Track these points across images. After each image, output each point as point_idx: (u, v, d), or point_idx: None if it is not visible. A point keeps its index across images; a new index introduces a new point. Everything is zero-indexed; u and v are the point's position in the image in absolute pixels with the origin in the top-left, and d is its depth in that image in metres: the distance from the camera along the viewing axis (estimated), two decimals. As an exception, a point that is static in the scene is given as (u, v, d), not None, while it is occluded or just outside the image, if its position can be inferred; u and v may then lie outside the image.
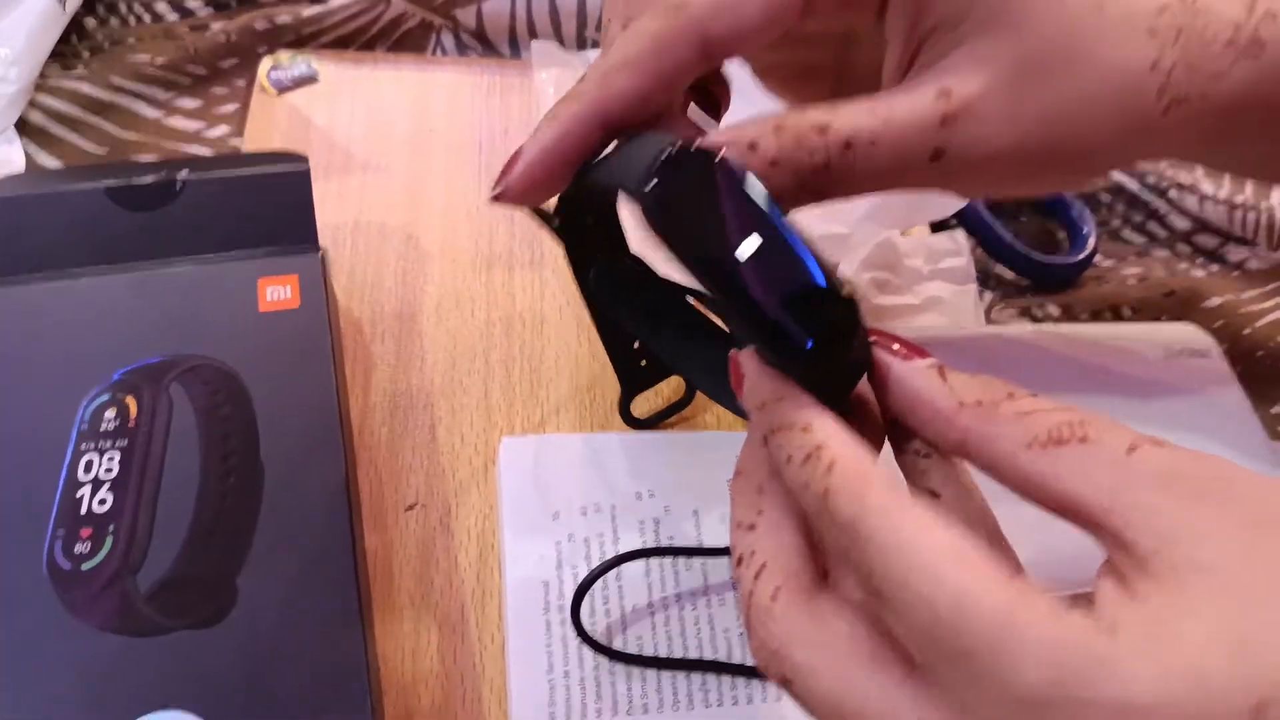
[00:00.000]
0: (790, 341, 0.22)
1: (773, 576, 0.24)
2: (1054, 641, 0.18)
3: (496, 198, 0.27)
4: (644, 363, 0.38)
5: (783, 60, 0.33)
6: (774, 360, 0.24)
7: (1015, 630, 0.18)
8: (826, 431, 0.23)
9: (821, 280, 0.22)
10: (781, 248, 0.22)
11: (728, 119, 0.31)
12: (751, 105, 0.29)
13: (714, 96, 0.33)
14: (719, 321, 0.37)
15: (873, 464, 0.22)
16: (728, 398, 0.37)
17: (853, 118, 0.26)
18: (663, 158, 0.23)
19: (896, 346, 0.24)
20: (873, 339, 0.24)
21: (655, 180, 0.22)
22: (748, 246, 0.22)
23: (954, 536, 0.20)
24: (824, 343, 0.22)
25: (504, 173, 0.27)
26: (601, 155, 0.27)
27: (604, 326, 0.37)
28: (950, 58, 0.26)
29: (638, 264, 0.33)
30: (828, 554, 0.24)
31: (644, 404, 0.40)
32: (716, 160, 0.23)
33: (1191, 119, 0.27)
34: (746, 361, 0.25)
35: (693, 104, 0.31)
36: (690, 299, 0.37)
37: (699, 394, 0.40)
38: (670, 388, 0.40)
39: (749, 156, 0.25)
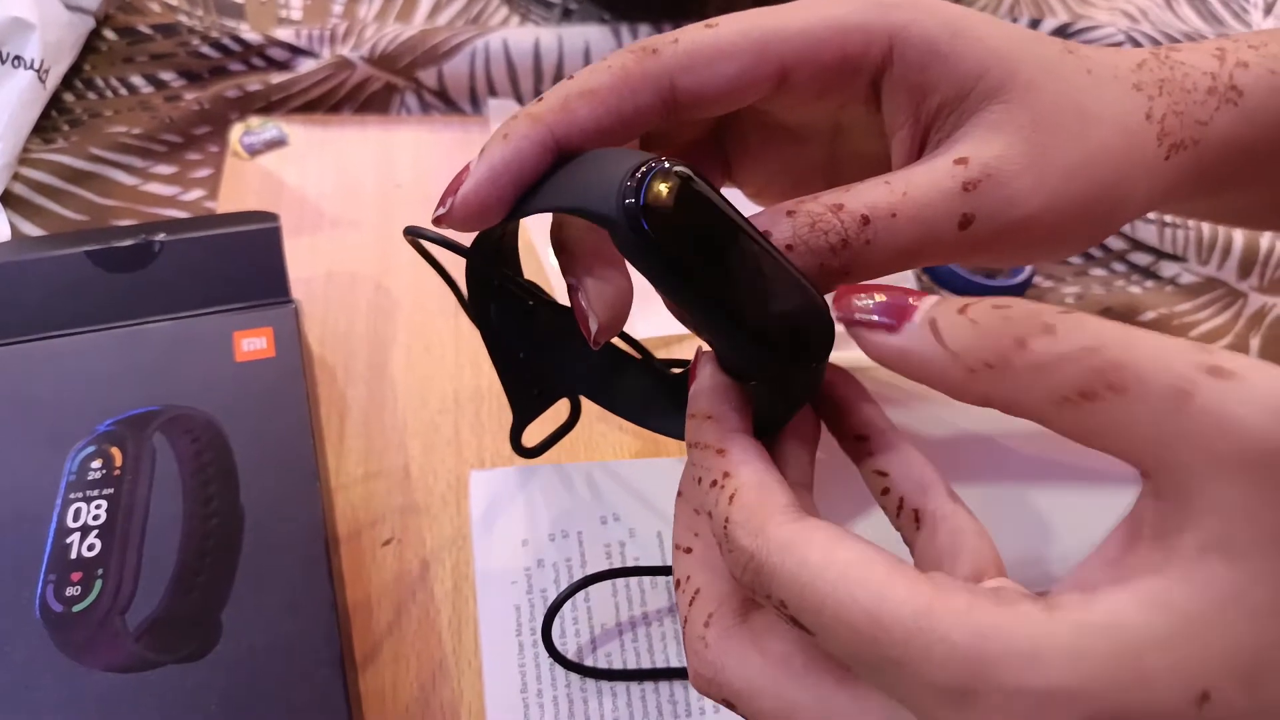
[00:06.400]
0: (768, 354, 0.22)
1: (706, 603, 0.24)
2: (973, 632, 0.18)
3: (438, 220, 0.25)
4: (537, 391, 0.38)
5: (778, 170, 0.32)
6: (737, 368, 0.24)
7: (934, 627, 0.18)
8: (737, 458, 0.23)
9: (809, 294, 0.22)
10: (765, 261, 0.22)
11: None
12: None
13: None
14: (627, 348, 0.37)
15: (777, 493, 0.22)
16: (645, 418, 0.36)
17: (868, 193, 0.25)
18: (636, 174, 0.21)
19: (880, 297, 0.22)
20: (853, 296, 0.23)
21: (628, 199, 0.21)
22: (733, 260, 0.21)
23: (859, 550, 0.20)
24: (797, 357, 0.22)
25: (448, 193, 0.25)
26: (545, 179, 0.25)
27: (500, 359, 0.35)
28: (961, 130, 0.26)
29: (536, 293, 0.33)
30: None
31: (531, 432, 0.39)
32: (694, 175, 0.22)
33: (1190, 164, 0.29)
34: (702, 367, 0.25)
35: None
36: None
37: (582, 418, 0.40)
38: (554, 414, 0.39)
39: None
